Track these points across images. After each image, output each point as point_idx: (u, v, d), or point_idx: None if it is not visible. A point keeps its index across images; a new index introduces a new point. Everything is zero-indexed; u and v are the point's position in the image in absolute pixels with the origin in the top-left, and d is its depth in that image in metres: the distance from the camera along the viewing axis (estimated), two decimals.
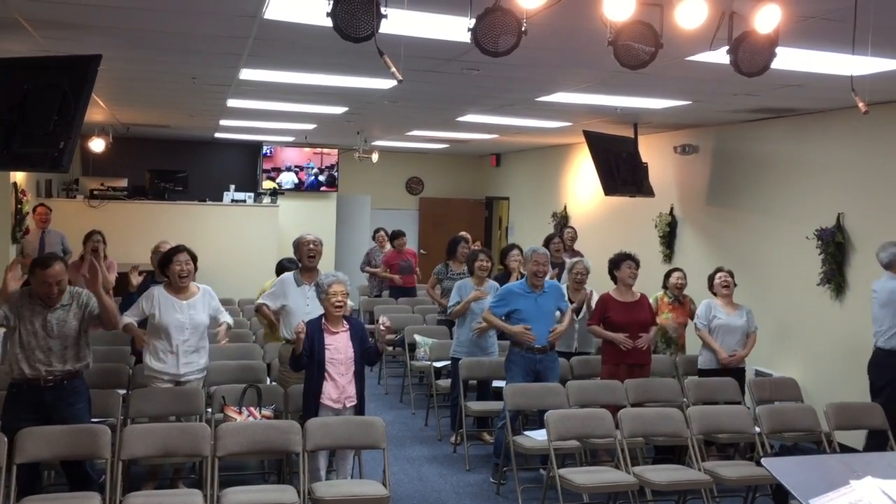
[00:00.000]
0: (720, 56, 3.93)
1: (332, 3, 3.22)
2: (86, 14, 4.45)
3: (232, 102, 8.06)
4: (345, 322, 5.08)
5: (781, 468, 2.56)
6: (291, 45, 5.15)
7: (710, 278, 6.61)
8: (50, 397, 4.47)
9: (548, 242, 8.28)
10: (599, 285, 6.88)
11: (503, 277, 7.46)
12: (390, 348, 8.57)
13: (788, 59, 4.77)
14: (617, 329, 6.11)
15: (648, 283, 6.54)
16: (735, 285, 6.51)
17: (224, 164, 13.50)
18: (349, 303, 5.20)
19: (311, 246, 5.86)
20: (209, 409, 5.37)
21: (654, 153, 9.31)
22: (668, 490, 5.05)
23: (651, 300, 6.60)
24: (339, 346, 4.99)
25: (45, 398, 4.47)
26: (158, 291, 5.28)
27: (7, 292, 4.36)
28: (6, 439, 4.23)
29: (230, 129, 11.22)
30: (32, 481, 4.47)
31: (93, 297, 4.57)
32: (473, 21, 3.37)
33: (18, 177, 9.27)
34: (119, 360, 6.03)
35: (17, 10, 4.34)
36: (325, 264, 11.56)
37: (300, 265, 5.99)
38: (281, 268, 6.89)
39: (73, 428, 4.38)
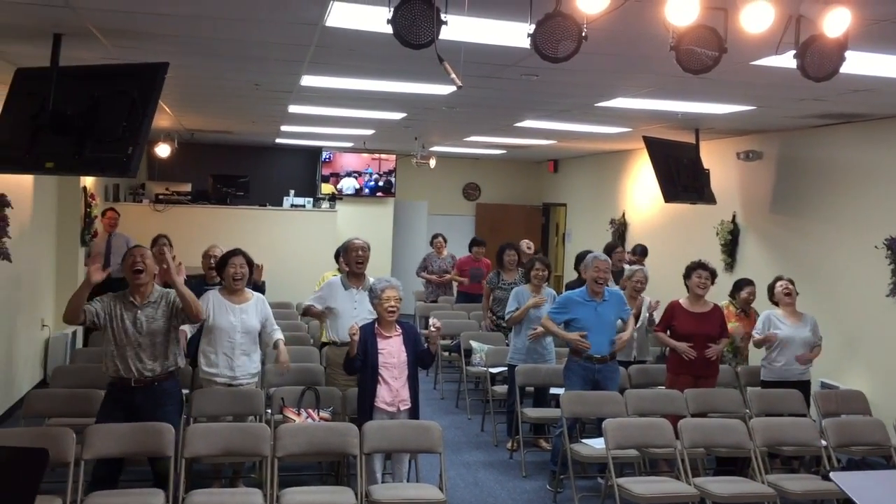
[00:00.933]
0: (787, 60, 3.84)
1: (392, 10, 3.24)
2: (154, 23, 4.57)
3: (293, 108, 8.19)
4: (397, 326, 5.12)
5: (851, 482, 2.50)
6: (352, 52, 5.20)
7: (770, 288, 6.46)
8: (140, 398, 4.62)
9: (610, 251, 8.15)
10: (658, 294, 6.77)
11: (576, 283, 7.35)
12: (446, 353, 8.59)
13: (858, 64, 4.63)
14: (681, 339, 6.01)
15: (709, 292, 6.41)
16: (797, 293, 6.35)
17: (284, 169, 13.70)
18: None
19: (360, 252, 5.93)
20: (268, 411, 5.46)
21: (716, 159, 9.13)
22: (731, 503, 4.93)
23: None
24: (392, 351, 5.03)
25: (136, 399, 4.62)
26: (213, 295, 5.39)
27: (91, 283, 4.45)
28: (74, 434, 4.37)
29: (290, 135, 11.40)
30: (110, 476, 4.59)
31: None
32: (533, 27, 3.35)
33: (88, 181, 9.56)
34: None
35: (90, 20, 4.49)
36: (382, 269, 11.75)
37: (347, 269, 6.05)
38: (338, 253, 7.05)
39: (138, 425, 4.50)
